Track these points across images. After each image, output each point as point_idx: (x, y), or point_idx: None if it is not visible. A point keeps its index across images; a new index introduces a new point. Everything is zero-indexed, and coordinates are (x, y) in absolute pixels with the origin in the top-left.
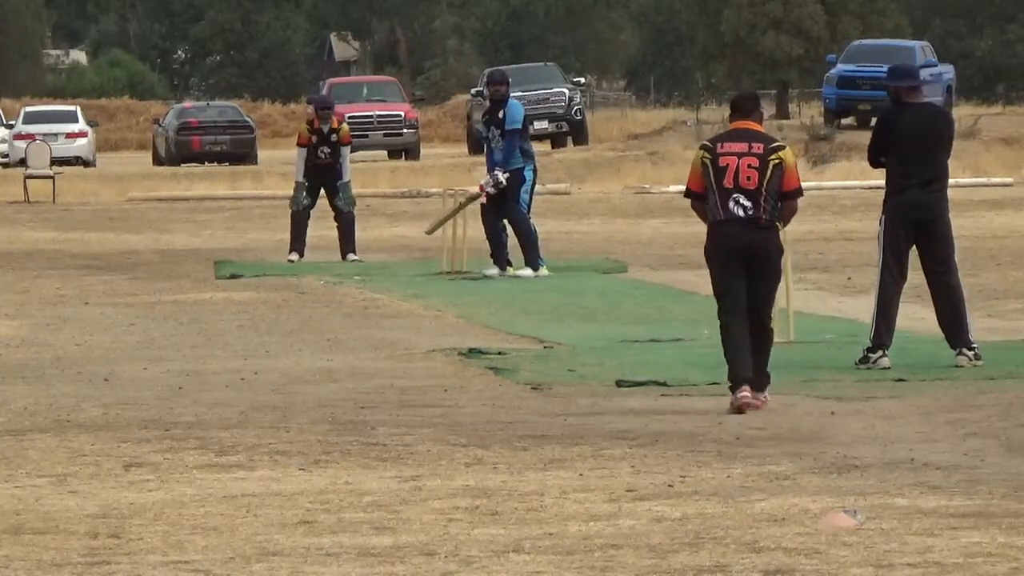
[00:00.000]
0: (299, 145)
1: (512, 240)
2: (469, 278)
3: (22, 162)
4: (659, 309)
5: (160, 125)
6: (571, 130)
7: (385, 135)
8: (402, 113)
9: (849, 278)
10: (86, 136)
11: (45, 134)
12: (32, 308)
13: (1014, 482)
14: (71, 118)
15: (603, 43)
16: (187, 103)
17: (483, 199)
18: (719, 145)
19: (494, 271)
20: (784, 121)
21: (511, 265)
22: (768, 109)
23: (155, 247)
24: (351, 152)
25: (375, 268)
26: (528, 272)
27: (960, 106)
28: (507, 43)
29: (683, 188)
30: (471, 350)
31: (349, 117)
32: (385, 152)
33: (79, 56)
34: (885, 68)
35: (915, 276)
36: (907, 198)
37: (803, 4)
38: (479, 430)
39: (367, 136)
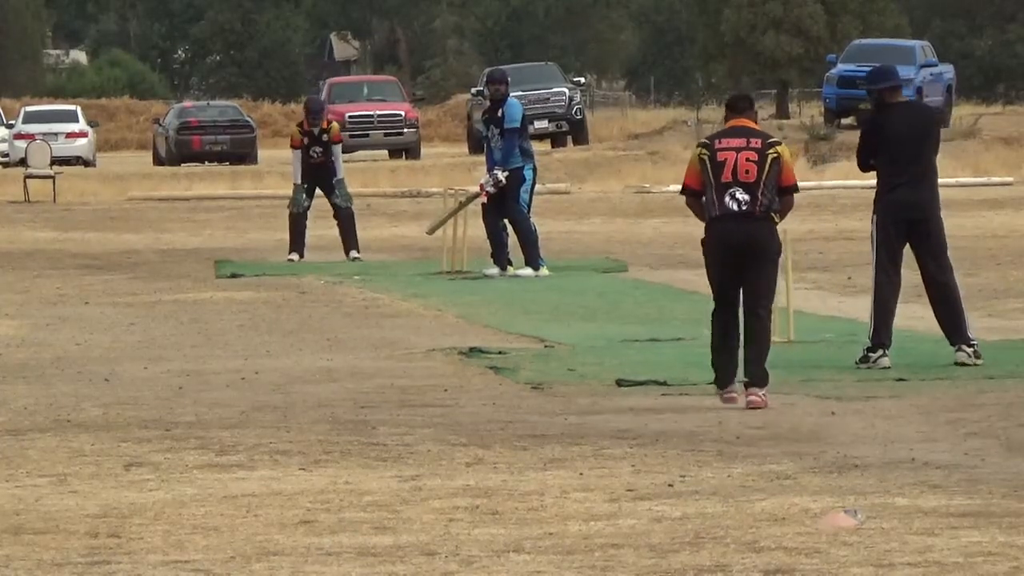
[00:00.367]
0: (292, 147)
1: (513, 240)
2: (469, 278)
3: (22, 162)
4: (659, 309)
5: (160, 125)
6: (571, 130)
7: (385, 135)
8: (402, 113)
9: (849, 278)
10: (86, 136)
11: (45, 134)
12: (32, 308)
13: (1014, 482)
14: (71, 118)
15: (603, 43)
16: (187, 103)
17: (483, 198)
18: (717, 141)
19: (494, 271)
20: (784, 121)
21: (511, 265)
22: (768, 109)
23: (155, 247)
24: (347, 151)
25: (375, 268)
26: (528, 272)
27: (960, 106)
28: (507, 43)
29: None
30: (471, 350)
31: (349, 117)
32: (385, 152)
33: (79, 56)
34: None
35: (915, 275)
36: (898, 197)
37: (803, 4)
38: (479, 430)
39: (367, 135)
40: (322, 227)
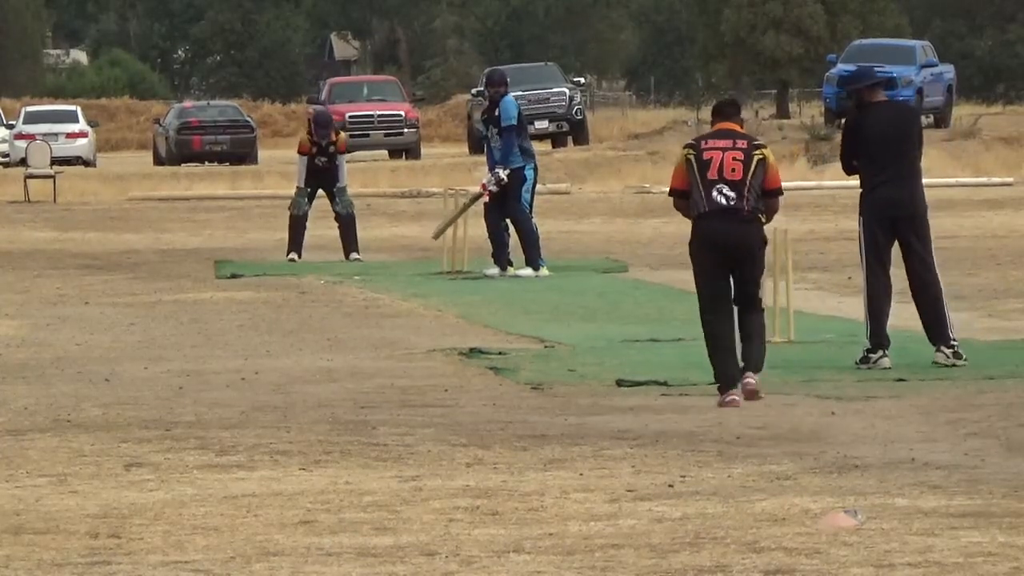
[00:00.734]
0: (300, 153)
1: (513, 239)
2: (469, 278)
3: (22, 162)
4: (659, 309)
5: (160, 125)
6: (571, 130)
7: (386, 135)
8: (402, 113)
9: (849, 278)
10: (86, 136)
11: (45, 134)
12: (32, 308)
13: (1014, 482)
14: (71, 118)
15: (603, 43)
16: (187, 103)
17: (485, 198)
18: (703, 142)
19: (494, 271)
20: (784, 121)
21: (511, 265)
22: (768, 109)
23: (155, 247)
24: (350, 151)
25: (375, 268)
26: (528, 272)
27: (960, 106)
28: (507, 43)
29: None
30: (471, 350)
31: (349, 117)
32: (386, 152)
33: (79, 56)
34: (886, 68)
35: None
36: (880, 195)
37: (803, 4)
38: (479, 430)
39: (368, 136)
40: (322, 227)
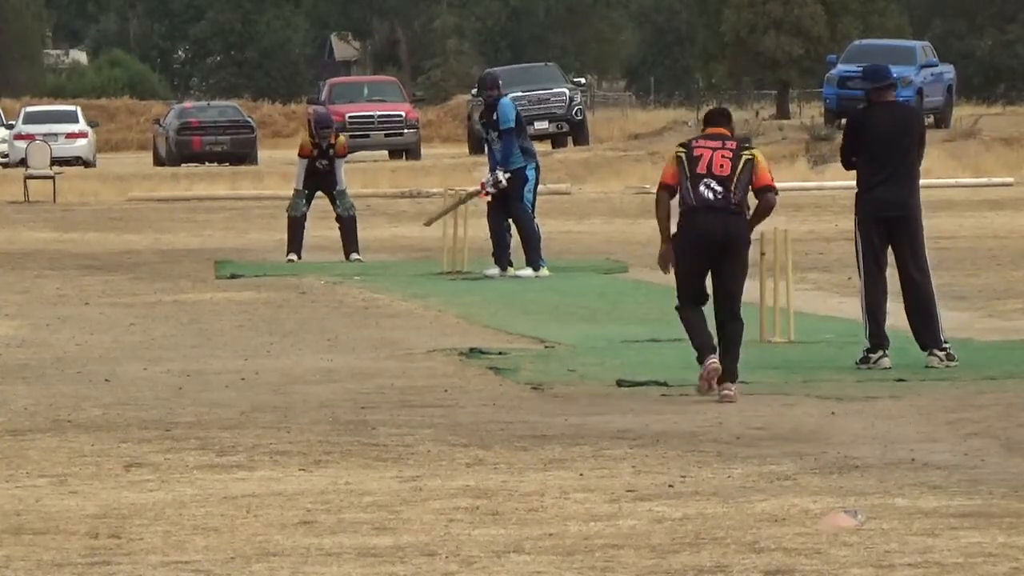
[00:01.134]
0: (300, 156)
1: (515, 240)
2: (469, 278)
3: (22, 162)
4: (659, 309)
5: (160, 125)
6: (571, 130)
7: (386, 135)
8: (403, 113)
9: (849, 278)
10: (86, 136)
11: (45, 134)
12: (32, 308)
13: (1014, 482)
14: (71, 118)
15: (603, 43)
16: (187, 103)
17: (484, 198)
18: (694, 142)
19: (494, 271)
20: (784, 121)
21: (512, 265)
22: (768, 109)
23: (155, 247)
24: (352, 152)
25: (375, 268)
26: (528, 272)
27: (960, 106)
28: (507, 43)
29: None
30: (471, 350)
31: (350, 117)
32: (386, 152)
33: (79, 56)
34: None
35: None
36: (876, 196)
37: (803, 4)
38: (479, 430)
39: (368, 136)
40: (322, 228)
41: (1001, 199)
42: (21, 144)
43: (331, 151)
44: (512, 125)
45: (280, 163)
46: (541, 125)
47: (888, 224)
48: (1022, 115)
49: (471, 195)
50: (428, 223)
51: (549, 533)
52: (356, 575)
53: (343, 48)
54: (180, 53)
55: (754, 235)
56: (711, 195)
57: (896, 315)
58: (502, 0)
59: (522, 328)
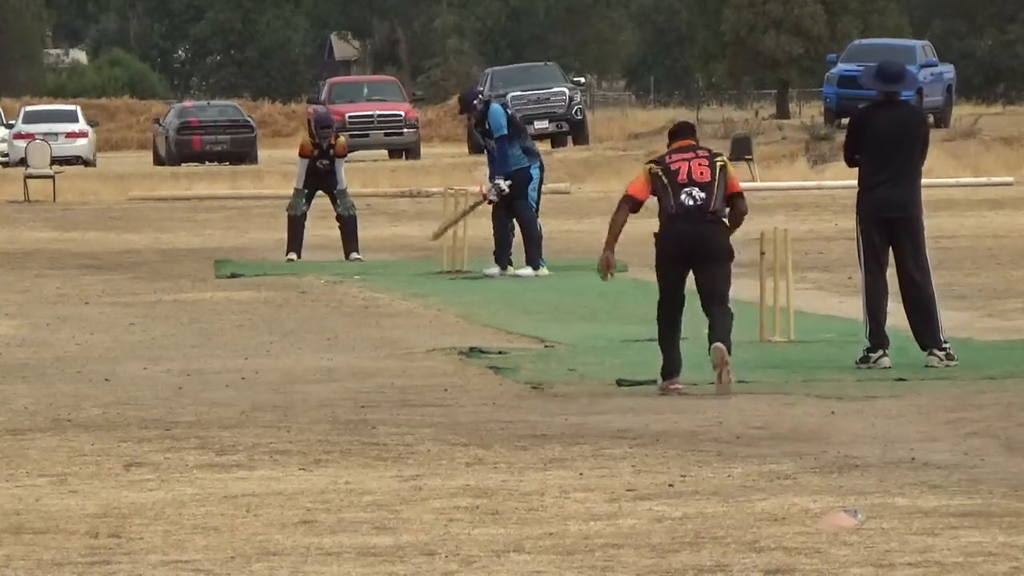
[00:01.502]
0: (301, 156)
1: (517, 239)
2: (469, 277)
3: (22, 162)
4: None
5: (160, 125)
6: (571, 130)
7: (385, 134)
8: (402, 112)
9: (849, 277)
10: (86, 136)
11: (45, 133)
12: (32, 307)
13: (1014, 481)
14: (71, 118)
15: (603, 43)
16: (187, 103)
17: (486, 204)
18: (668, 157)
19: (494, 270)
20: (784, 121)
21: (512, 264)
22: (768, 109)
23: (155, 246)
24: (351, 151)
25: (375, 267)
26: (528, 271)
27: (960, 106)
28: (507, 43)
29: None
30: (471, 349)
31: (350, 117)
32: (385, 151)
33: (79, 56)
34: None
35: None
36: (876, 196)
37: (803, 4)
38: (479, 429)
39: (367, 135)
40: (322, 227)
41: (1001, 198)
42: (21, 143)
43: (332, 151)
44: (505, 132)
45: (280, 162)
46: (541, 124)
47: (889, 224)
48: (1022, 115)
49: (475, 205)
50: (436, 237)
51: (549, 532)
52: (356, 574)
53: (343, 48)
54: (180, 53)
55: (754, 235)
56: (692, 202)
57: (896, 315)
58: (502, 0)
59: (522, 327)
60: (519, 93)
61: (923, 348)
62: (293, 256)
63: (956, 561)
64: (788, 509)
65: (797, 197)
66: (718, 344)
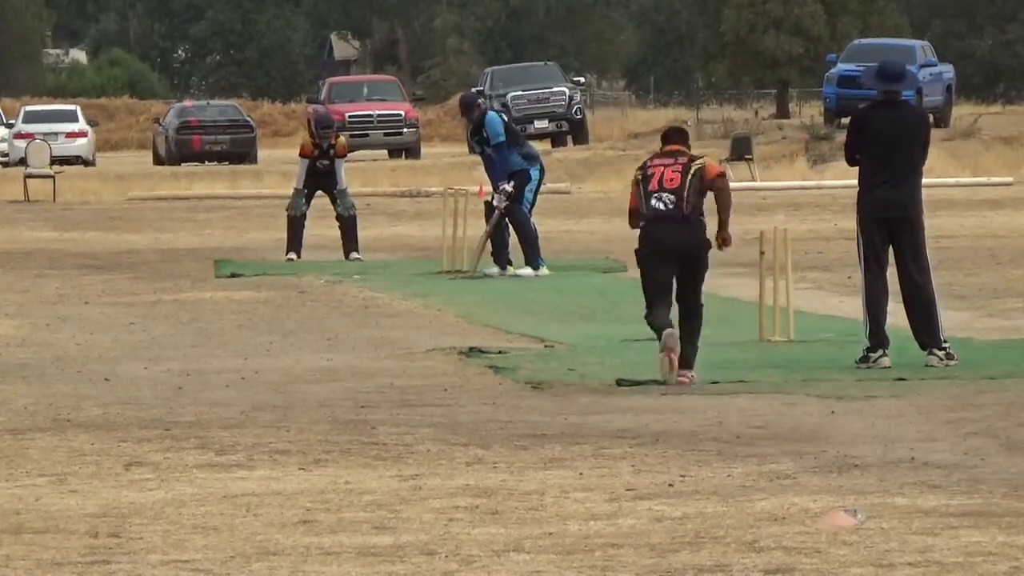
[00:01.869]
0: (301, 156)
1: (513, 239)
2: (469, 277)
3: (22, 161)
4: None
5: (160, 124)
6: (571, 129)
7: (385, 134)
8: (402, 112)
9: (849, 277)
10: (86, 135)
11: (45, 133)
12: (32, 307)
13: (1014, 481)
14: (71, 117)
15: (603, 43)
16: (187, 102)
17: (498, 211)
18: (649, 162)
19: (494, 270)
20: (784, 120)
21: (511, 264)
22: (768, 109)
23: (155, 246)
24: (351, 151)
25: (375, 267)
26: (528, 271)
27: (960, 106)
28: (507, 42)
29: None
30: (471, 349)
31: (349, 117)
32: (385, 151)
33: (79, 55)
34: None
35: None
36: (876, 196)
37: (803, 4)
38: (479, 429)
39: (367, 135)
40: (322, 227)
41: (1001, 198)
42: (21, 143)
43: (332, 151)
44: (503, 139)
45: (280, 162)
46: (541, 124)
47: (889, 224)
48: (1021, 114)
49: (496, 223)
50: (473, 268)
51: (549, 532)
52: (356, 574)
53: (343, 47)
54: (180, 52)
55: (753, 234)
56: (662, 205)
57: (896, 314)
58: (502, 0)
59: (522, 327)
60: (519, 93)
61: (923, 348)
62: (293, 256)
63: (956, 561)
64: (788, 509)
65: (797, 197)
66: (670, 330)
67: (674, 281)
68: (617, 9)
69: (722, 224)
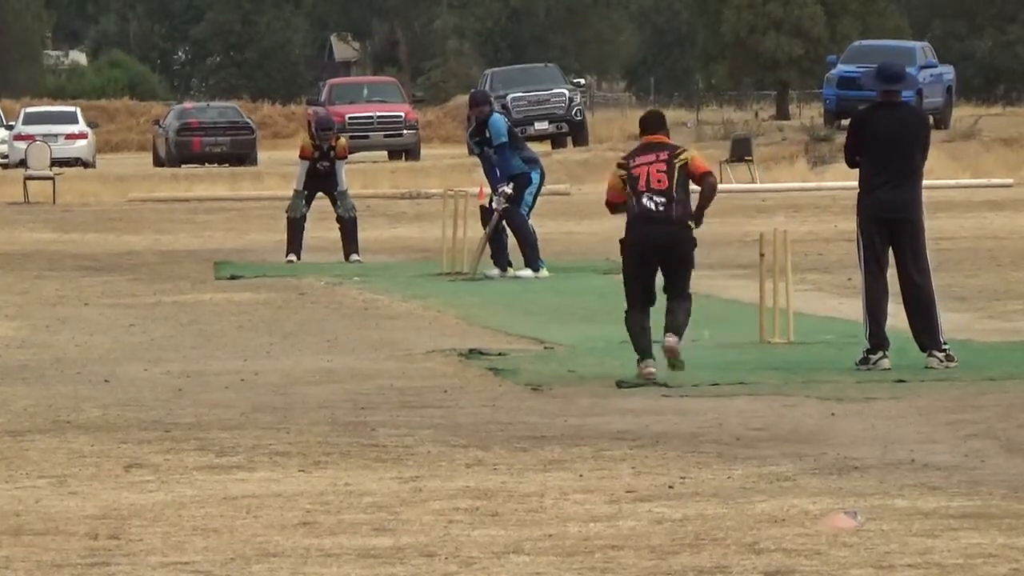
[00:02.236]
0: (302, 157)
1: (512, 241)
2: (469, 279)
3: (22, 163)
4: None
5: (160, 126)
6: (571, 130)
7: (385, 136)
8: (402, 114)
9: (849, 279)
10: (86, 137)
11: (45, 135)
12: (32, 309)
13: (1014, 483)
14: (71, 119)
15: (603, 43)
16: (187, 104)
17: (497, 214)
18: (632, 160)
19: (494, 271)
20: (784, 122)
21: (511, 266)
22: (768, 110)
23: (155, 248)
24: (351, 153)
25: (375, 269)
26: (528, 273)
27: (960, 107)
28: (507, 43)
29: None
30: (471, 351)
31: (349, 118)
32: (385, 153)
33: (79, 57)
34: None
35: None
36: (876, 197)
37: (803, 5)
38: (479, 431)
39: (367, 137)
40: (322, 229)
41: (1001, 200)
42: (21, 145)
43: (332, 153)
44: (505, 140)
45: (280, 164)
46: (541, 125)
47: (889, 225)
48: (1022, 116)
49: (495, 226)
50: (473, 270)
51: (549, 534)
52: None
53: (343, 49)
54: (180, 54)
55: (753, 235)
56: (653, 206)
57: (896, 316)
58: (502, 0)
59: (522, 329)
60: (519, 94)
61: (923, 349)
62: (293, 258)
63: (956, 563)
64: (788, 511)
65: (797, 198)
66: (650, 360)
67: (658, 274)
68: (617, 10)
69: (697, 214)
